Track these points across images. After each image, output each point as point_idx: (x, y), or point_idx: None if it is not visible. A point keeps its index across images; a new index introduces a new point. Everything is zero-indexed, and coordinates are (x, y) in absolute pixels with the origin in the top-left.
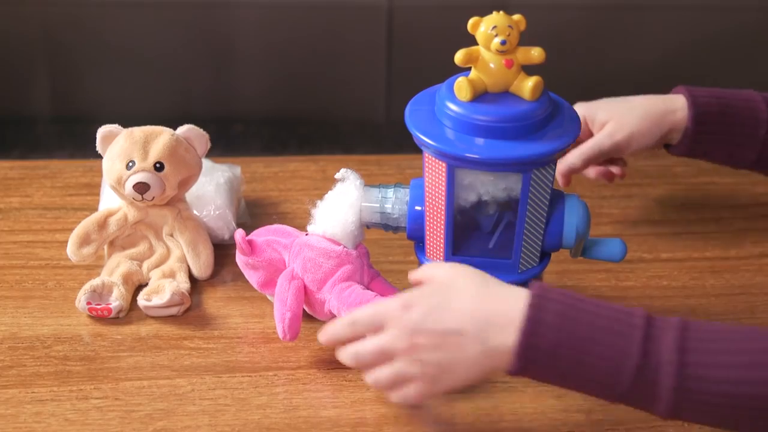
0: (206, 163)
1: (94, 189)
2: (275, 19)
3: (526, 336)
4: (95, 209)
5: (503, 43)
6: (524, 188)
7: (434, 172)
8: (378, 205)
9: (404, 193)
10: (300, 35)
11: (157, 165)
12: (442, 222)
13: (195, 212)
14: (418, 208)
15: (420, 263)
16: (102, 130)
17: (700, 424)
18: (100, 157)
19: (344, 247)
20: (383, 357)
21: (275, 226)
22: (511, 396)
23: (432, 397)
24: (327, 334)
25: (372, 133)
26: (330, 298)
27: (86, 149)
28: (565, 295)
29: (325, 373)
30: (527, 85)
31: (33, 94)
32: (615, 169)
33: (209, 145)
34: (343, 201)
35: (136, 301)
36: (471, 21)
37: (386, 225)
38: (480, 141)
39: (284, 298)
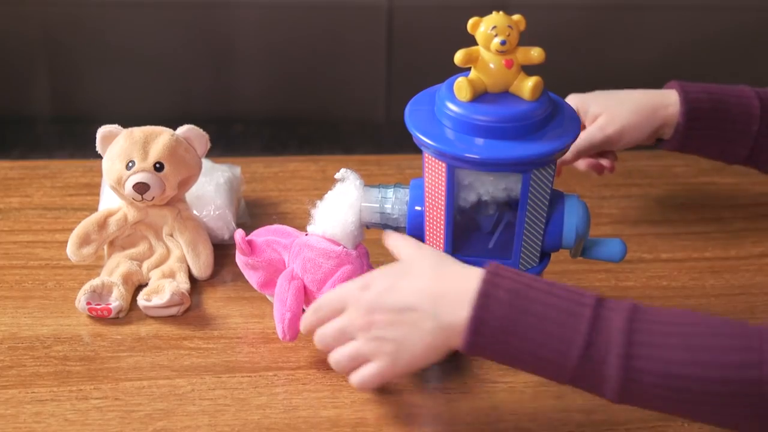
0: (206, 163)
1: (94, 189)
2: (275, 19)
3: (477, 310)
4: (95, 209)
5: (503, 43)
6: (524, 188)
7: (434, 172)
8: (378, 205)
9: (404, 194)
10: (300, 35)
11: (157, 165)
12: (442, 222)
13: (195, 212)
14: (417, 208)
15: None
16: (102, 130)
17: (649, 409)
18: (100, 157)
19: (344, 247)
20: (343, 337)
21: (275, 226)
22: (511, 396)
23: (390, 377)
24: (302, 323)
25: (372, 133)
26: None
27: (86, 149)
28: (518, 275)
29: (324, 373)
30: (527, 85)
31: (33, 94)
32: (605, 162)
33: (209, 145)
34: (342, 201)
35: (135, 301)
36: (471, 21)
37: (386, 225)
38: (480, 141)
39: (284, 298)
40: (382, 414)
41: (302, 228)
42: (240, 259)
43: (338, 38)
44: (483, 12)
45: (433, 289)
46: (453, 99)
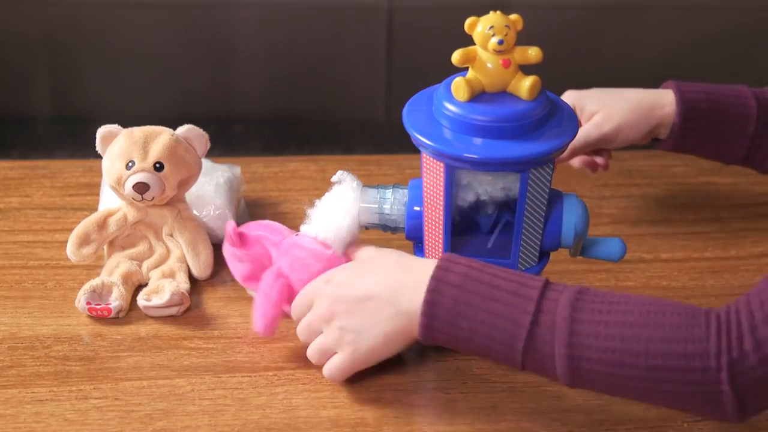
0: (206, 163)
1: (94, 189)
2: (275, 19)
3: (429, 294)
4: (95, 209)
5: (500, 42)
6: (522, 188)
7: (432, 172)
8: (376, 206)
9: (402, 194)
10: (300, 35)
11: (157, 165)
12: (441, 222)
13: (195, 212)
14: (416, 208)
15: None
16: (102, 130)
17: (601, 392)
18: (100, 157)
19: (334, 251)
20: (311, 331)
21: (267, 222)
22: (511, 396)
23: (355, 367)
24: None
25: (372, 133)
26: None
27: (86, 149)
28: (471, 261)
29: None
30: (525, 85)
31: (33, 94)
32: (599, 160)
33: (209, 145)
34: (338, 205)
35: (135, 301)
36: (468, 21)
37: (385, 226)
38: (478, 141)
39: (267, 293)
40: (382, 414)
41: (300, 228)
42: (227, 249)
43: (338, 38)
44: (482, 12)
45: (392, 279)
46: (451, 99)
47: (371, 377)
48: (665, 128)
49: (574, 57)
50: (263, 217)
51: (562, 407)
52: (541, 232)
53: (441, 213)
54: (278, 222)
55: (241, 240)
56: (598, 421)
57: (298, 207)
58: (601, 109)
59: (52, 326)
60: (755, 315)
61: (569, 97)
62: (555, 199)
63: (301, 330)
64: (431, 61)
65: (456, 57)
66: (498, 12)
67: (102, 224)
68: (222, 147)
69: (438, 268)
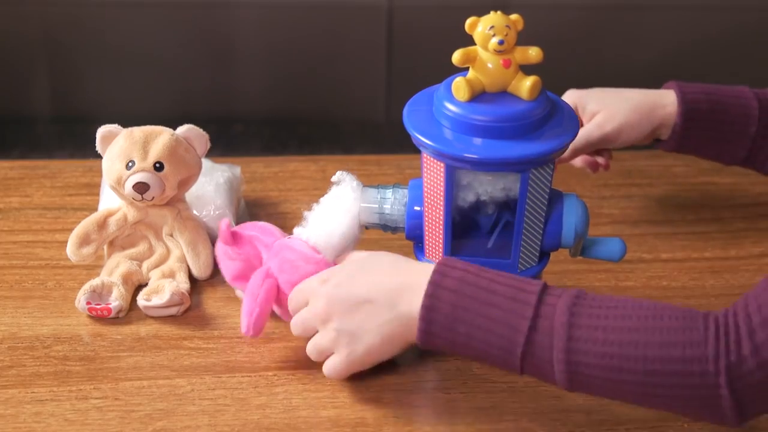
0: (206, 163)
1: (94, 189)
2: (275, 19)
3: (427, 299)
4: (95, 209)
5: (501, 42)
6: (523, 188)
7: (433, 172)
8: (377, 205)
9: (403, 194)
10: (300, 35)
11: (157, 165)
12: (441, 222)
13: (195, 212)
14: (416, 208)
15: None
16: (102, 130)
17: (600, 395)
18: (100, 157)
19: (324, 257)
20: (307, 328)
21: (262, 223)
22: (511, 396)
23: (353, 368)
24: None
25: (372, 133)
26: None
27: (86, 149)
28: (468, 265)
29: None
30: (525, 85)
31: (33, 94)
32: (600, 160)
33: (209, 145)
34: (337, 207)
35: (135, 301)
36: (468, 21)
37: (385, 226)
38: (478, 141)
39: (255, 293)
40: (382, 414)
41: (293, 230)
42: (220, 247)
43: (338, 38)
44: (483, 12)
45: (390, 283)
46: (451, 99)
47: (371, 377)
48: (667, 129)
49: (574, 57)
50: (263, 217)
51: (562, 407)
52: (541, 232)
53: (441, 213)
54: (278, 222)
55: (234, 239)
56: (598, 421)
57: (298, 207)
58: (602, 109)
59: (52, 326)
60: (753, 318)
61: (571, 96)
62: (555, 199)
63: (296, 326)
64: (431, 61)
65: (456, 57)
66: (498, 12)
67: (102, 224)
68: (222, 147)
69: (436, 272)
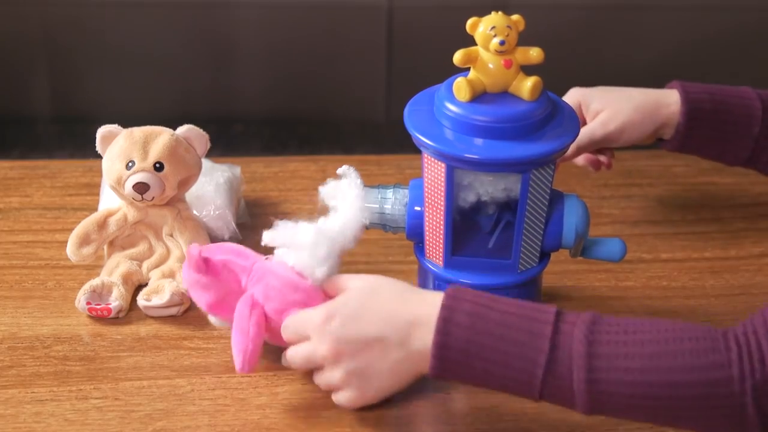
0: (206, 163)
1: (94, 189)
2: (275, 19)
3: (439, 336)
4: (95, 209)
5: (502, 43)
6: (523, 188)
7: (433, 172)
8: (377, 205)
9: (403, 194)
10: (300, 35)
11: (157, 165)
12: (442, 222)
13: (195, 212)
14: (417, 208)
15: (419, 263)
16: (102, 130)
17: (626, 419)
18: (100, 157)
19: (311, 282)
20: (311, 364)
21: (230, 245)
22: (511, 396)
23: (366, 402)
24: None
25: (372, 133)
26: None
27: (86, 149)
28: (478, 296)
29: None
30: (526, 86)
31: (33, 94)
32: (603, 158)
33: (209, 145)
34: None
35: (135, 301)
36: (469, 21)
37: (385, 226)
38: (479, 141)
39: (245, 328)
40: (382, 414)
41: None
42: (190, 276)
43: (338, 38)
44: (483, 12)
45: (397, 318)
46: (452, 99)
47: None
48: (670, 128)
49: (575, 57)
50: (263, 217)
51: (561, 407)
52: (542, 232)
53: (442, 213)
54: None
55: (207, 266)
56: (599, 421)
57: (299, 207)
58: (606, 107)
59: (52, 326)
60: None
61: (574, 94)
62: (556, 199)
63: (297, 360)
64: (431, 61)
65: (457, 57)
66: (499, 12)
67: (102, 224)
68: (222, 147)
69: (444, 307)
